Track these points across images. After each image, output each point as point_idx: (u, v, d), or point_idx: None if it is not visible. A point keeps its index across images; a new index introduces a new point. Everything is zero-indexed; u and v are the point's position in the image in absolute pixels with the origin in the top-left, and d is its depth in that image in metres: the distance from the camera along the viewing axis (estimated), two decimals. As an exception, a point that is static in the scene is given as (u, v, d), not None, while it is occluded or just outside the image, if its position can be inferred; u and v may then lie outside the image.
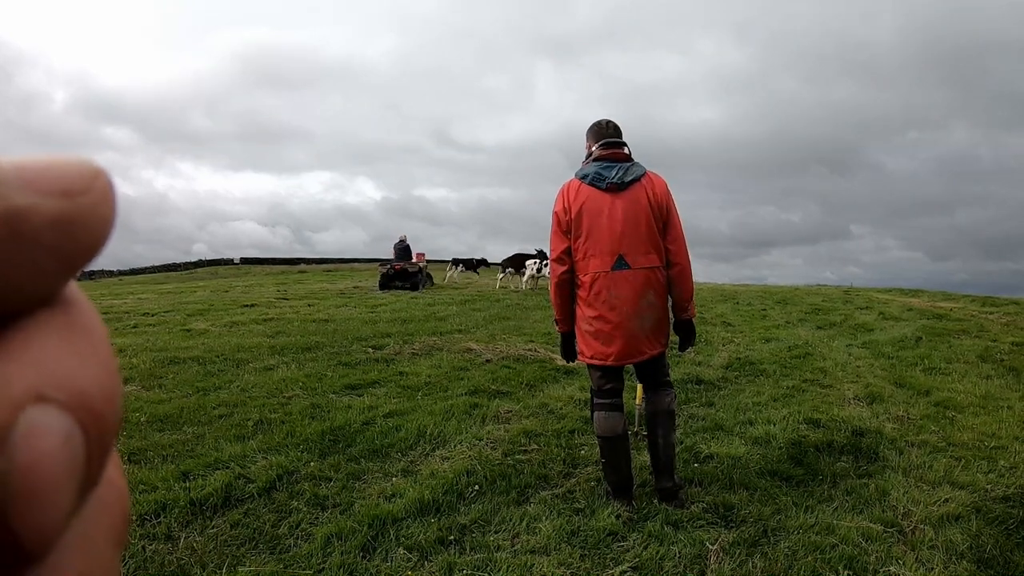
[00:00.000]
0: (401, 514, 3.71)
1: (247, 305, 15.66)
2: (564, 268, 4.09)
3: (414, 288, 22.25)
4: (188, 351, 8.99)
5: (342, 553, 3.31)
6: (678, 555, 3.32)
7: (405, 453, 4.79)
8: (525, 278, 21.67)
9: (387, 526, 3.58)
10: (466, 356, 8.59)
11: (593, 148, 4.10)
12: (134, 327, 12.10)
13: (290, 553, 3.36)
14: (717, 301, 17.03)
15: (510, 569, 3.17)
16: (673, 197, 4.00)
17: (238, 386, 6.91)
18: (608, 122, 4.13)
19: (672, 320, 4.11)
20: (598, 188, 3.95)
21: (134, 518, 3.65)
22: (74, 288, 0.26)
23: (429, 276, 26.02)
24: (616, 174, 3.94)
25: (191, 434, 5.20)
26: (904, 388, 7.04)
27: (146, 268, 56.98)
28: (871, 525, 3.64)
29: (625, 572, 3.18)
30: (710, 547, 3.38)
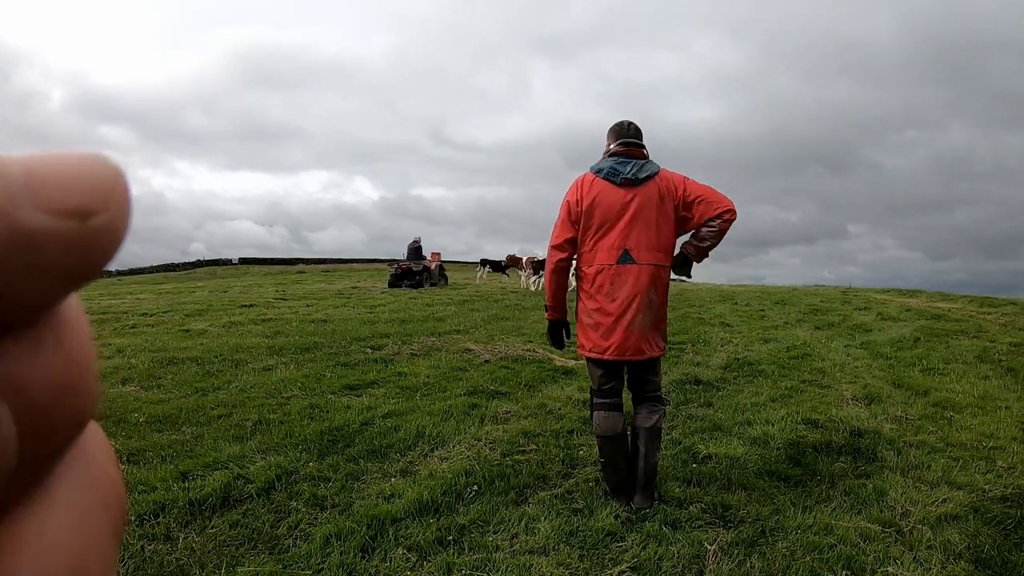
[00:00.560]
0: (400, 514, 3.71)
1: (245, 305, 15.65)
2: (563, 255, 4.11)
3: (416, 286, 23.06)
4: (186, 351, 8.99)
5: (341, 553, 3.31)
6: (676, 555, 3.32)
7: (404, 453, 4.80)
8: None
9: (386, 526, 3.58)
10: (465, 356, 8.60)
11: (611, 146, 4.12)
12: (132, 327, 12.09)
13: (289, 553, 3.36)
14: (715, 301, 17.04)
15: (508, 569, 3.18)
16: (691, 179, 3.99)
17: (237, 386, 6.90)
18: (630, 123, 4.14)
19: (683, 256, 4.05)
20: (612, 183, 3.97)
21: (133, 518, 3.65)
22: None
23: (444, 276, 26.43)
24: (631, 170, 3.95)
25: (190, 434, 5.20)
26: (902, 388, 7.05)
27: (144, 268, 56.95)
28: (869, 525, 3.65)
29: (624, 572, 3.19)
30: (708, 547, 3.39)
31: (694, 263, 4.03)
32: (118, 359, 8.57)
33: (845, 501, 4.01)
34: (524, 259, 24.27)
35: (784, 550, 3.38)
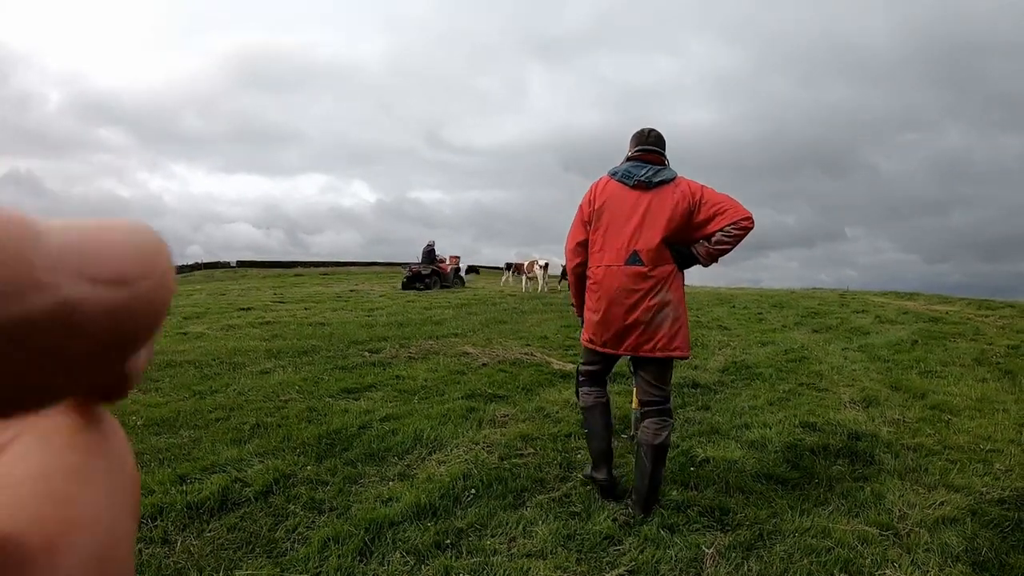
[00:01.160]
0: (398, 518, 3.71)
1: (243, 308, 15.66)
2: (579, 260, 4.20)
3: (426, 288, 24.20)
4: (184, 354, 8.99)
5: (339, 557, 3.31)
6: (674, 559, 3.32)
7: (402, 457, 4.80)
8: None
9: (384, 530, 3.58)
10: (463, 360, 8.60)
11: (631, 151, 4.16)
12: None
13: (287, 557, 3.36)
14: (713, 304, 17.06)
15: (506, 573, 3.17)
16: (738, 203, 3.93)
17: (235, 389, 6.90)
18: (651, 130, 4.16)
19: (688, 254, 4.02)
20: (625, 184, 4.00)
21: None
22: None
23: (461, 279, 27.11)
24: (645, 173, 3.98)
25: (187, 438, 5.20)
26: (900, 391, 7.06)
27: (142, 271, 56.75)
28: (867, 528, 3.65)
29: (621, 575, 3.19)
30: (706, 551, 3.39)
31: (700, 265, 4.03)
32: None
33: (843, 504, 4.01)
34: (525, 264, 24.62)
35: (782, 553, 3.38)
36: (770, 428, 5.43)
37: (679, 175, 4.03)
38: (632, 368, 4.16)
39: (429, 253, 26.49)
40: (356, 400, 6.46)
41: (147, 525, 3.65)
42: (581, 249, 4.17)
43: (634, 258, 3.92)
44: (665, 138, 4.17)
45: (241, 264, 60.56)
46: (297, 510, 3.87)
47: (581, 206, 4.18)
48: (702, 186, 3.98)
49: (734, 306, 16.52)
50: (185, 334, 11.35)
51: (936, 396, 6.73)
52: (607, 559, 3.35)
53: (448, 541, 3.49)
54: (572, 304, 4.49)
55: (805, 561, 3.29)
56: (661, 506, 3.89)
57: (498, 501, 4.00)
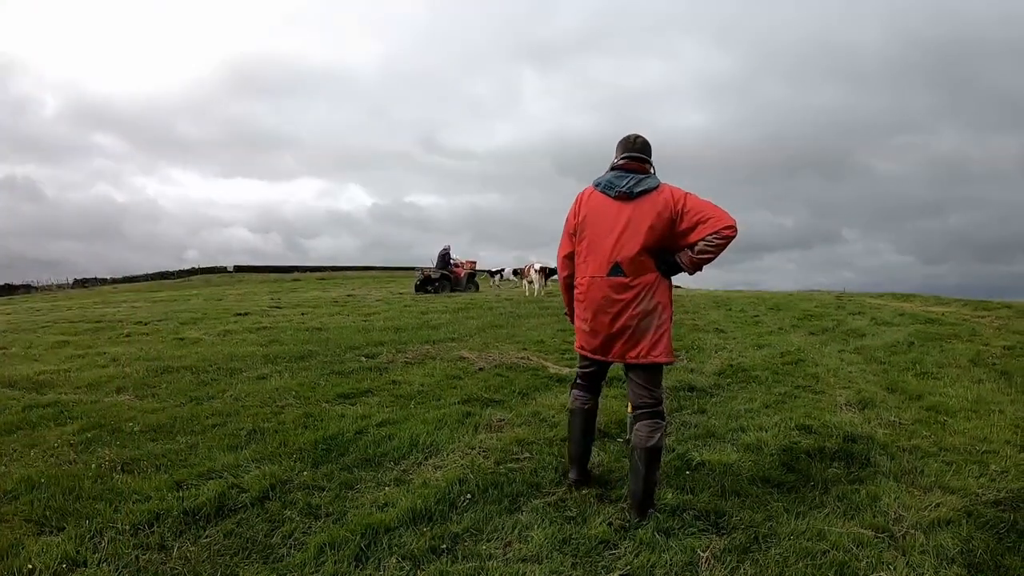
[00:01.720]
0: (394, 523, 3.71)
1: (240, 314, 15.66)
2: (567, 272, 4.34)
3: (435, 292, 25.18)
4: (181, 360, 8.99)
5: (335, 563, 3.31)
6: (669, 562, 3.32)
7: (398, 462, 4.79)
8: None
9: (380, 535, 3.58)
10: (459, 364, 8.60)
11: (616, 159, 4.18)
12: (127, 336, 12.09)
13: (283, 563, 3.36)
14: (710, 308, 17.08)
15: (502, 577, 3.18)
16: (723, 211, 3.91)
17: (231, 395, 6.91)
18: (637, 137, 4.18)
19: (672, 262, 4.01)
20: (608, 195, 4.03)
21: (127, 528, 3.65)
22: None
23: (475, 283, 27.65)
24: (627, 183, 3.99)
25: (184, 443, 5.20)
26: (896, 393, 7.07)
27: (139, 276, 56.76)
28: (862, 531, 3.65)
29: (617, 580, 3.19)
30: (701, 554, 3.39)
31: (685, 274, 4.03)
32: (113, 368, 8.58)
33: (838, 507, 4.01)
34: (524, 267, 24.83)
35: (777, 556, 3.38)
36: (766, 431, 5.43)
37: (663, 183, 4.03)
38: (625, 373, 4.17)
39: (443, 257, 27.19)
40: (352, 405, 6.46)
41: (144, 531, 3.65)
42: (568, 261, 4.28)
43: (616, 269, 3.96)
44: (651, 144, 4.18)
45: (238, 269, 60.55)
46: (293, 516, 3.87)
47: (567, 218, 4.24)
48: (686, 194, 3.97)
49: (731, 309, 16.54)
50: (182, 340, 11.35)
51: (932, 398, 6.74)
52: (603, 563, 3.34)
53: (444, 546, 3.49)
54: (565, 313, 4.59)
55: (800, 564, 3.29)
56: (657, 510, 3.89)
57: (494, 506, 4.00)
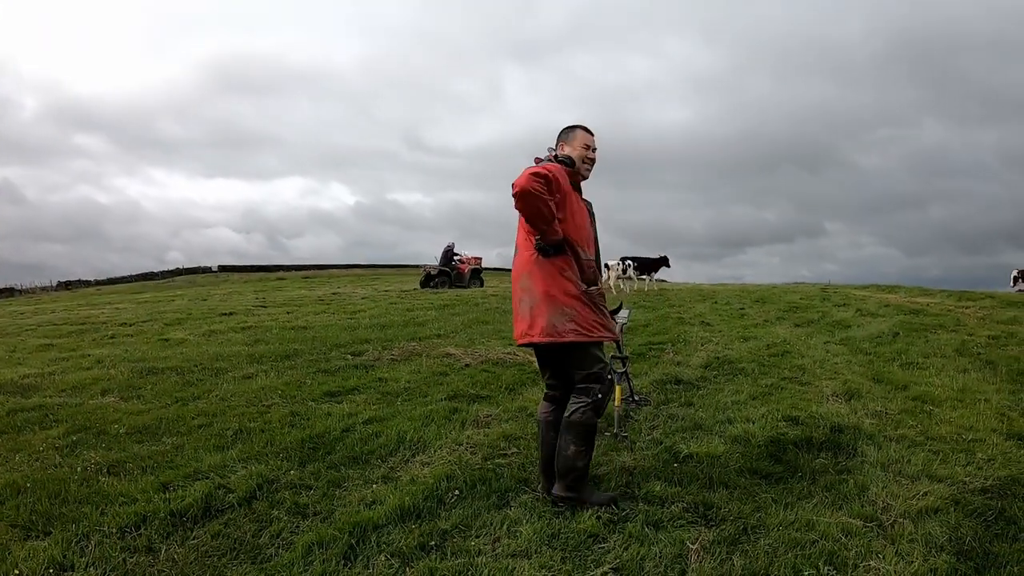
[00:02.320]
0: (382, 521, 3.69)
1: (225, 313, 15.57)
2: None
3: (436, 288, 25.43)
4: (166, 361, 8.94)
5: (323, 562, 3.29)
6: (659, 555, 3.32)
7: (385, 459, 4.78)
8: (612, 280, 21.72)
9: (368, 533, 3.56)
10: (445, 361, 8.58)
11: None
12: (111, 337, 12.00)
13: (271, 563, 3.34)
14: (695, 300, 17.11)
15: (491, 573, 3.16)
16: (522, 172, 3.78)
17: (217, 395, 6.87)
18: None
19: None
20: None
21: (114, 531, 3.62)
22: None
23: (480, 279, 27.99)
24: None
25: (170, 445, 5.17)
26: (882, 383, 7.10)
27: (123, 277, 56.29)
28: (851, 520, 3.66)
29: (606, 574, 3.17)
30: (691, 546, 3.38)
31: (546, 245, 3.92)
32: (97, 370, 8.51)
33: (826, 497, 4.02)
34: None
35: (766, 547, 3.38)
36: (753, 423, 5.44)
37: (545, 161, 4.00)
38: None
39: (447, 254, 27.68)
40: (339, 403, 6.44)
41: (131, 534, 3.62)
42: None
43: (516, 250, 4.12)
44: (567, 129, 4.25)
45: (223, 268, 60.22)
46: (281, 515, 3.85)
47: None
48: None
49: (716, 302, 16.57)
50: (166, 340, 11.28)
51: (918, 387, 6.77)
52: (592, 557, 3.34)
53: (432, 543, 3.48)
54: None
55: (790, 555, 3.29)
56: (645, 500, 3.89)
57: (482, 501, 3.99)
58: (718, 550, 3.36)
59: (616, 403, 5.26)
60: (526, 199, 3.68)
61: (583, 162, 4.16)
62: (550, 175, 3.75)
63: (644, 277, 22.69)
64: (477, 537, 3.55)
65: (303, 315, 15.11)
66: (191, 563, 3.34)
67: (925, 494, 4.00)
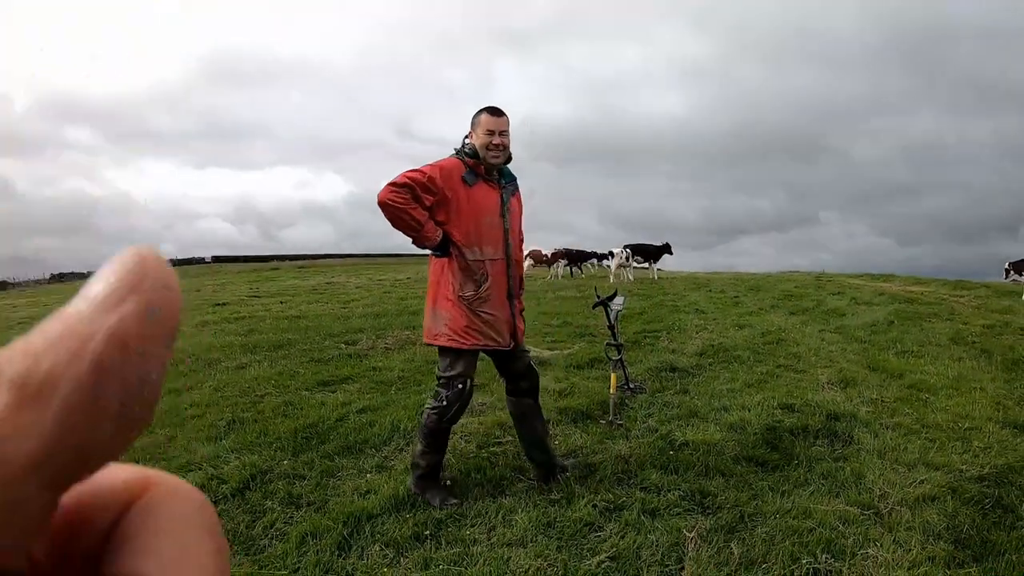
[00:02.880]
0: (376, 510, 3.67)
1: (219, 304, 15.50)
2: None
3: None
4: (159, 351, 8.88)
5: (317, 552, 3.27)
6: (655, 543, 3.30)
7: (379, 449, 4.75)
8: (613, 267, 21.64)
9: (362, 523, 3.54)
10: (440, 350, 8.54)
11: None
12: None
13: (265, 553, 3.32)
14: (690, 289, 17.11)
15: (486, 562, 3.14)
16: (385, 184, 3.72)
17: (210, 386, 6.83)
18: None
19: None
20: None
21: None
22: None
23: None
24: None
25: (163, 436, 5.13)
26: (877, 372, 7.09)
27: (117, 269, 56.11)
28: (848, 508, 3.65)
29: (602, 562, 3.16)
30: (687, 534, 3.37)
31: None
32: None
33: (823, 484, 4.01)
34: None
35: (763, 535, 3.37)
36: (749, 410, 5.42)
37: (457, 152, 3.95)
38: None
39: None
40: (332, 393, 6.41)
41: (121, 525, 3.59)
42: None
43: None
44: (474, 118, 4.01)
45: (216, 259, 60.14)
46: (274, 506, 3.82)
47: None
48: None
49: (711, 290, 16.57)
50: (159, 331, 11.22)
51: (913, 376, 6.76)
52: (588, 546, 3.32)
53: (427, 532, 3.46)
54: None
55: (787, 542, 3.28)
56: (641, 488, 3.87)
57: (477, 490, 3.97)
58: (715, 538, 3.35)
59: (612, 390, 5.25)
60: (386, 211, 3.67)
61: (487, 149, 3.87)
62: (414, 183, 3.67)
63: (646, 264, 22.47)
64: (472, 526, 3.54)
65: (296, 305, 15.06)
66: (183, 554, 3.31)
67: (922, 482, 3.99)
